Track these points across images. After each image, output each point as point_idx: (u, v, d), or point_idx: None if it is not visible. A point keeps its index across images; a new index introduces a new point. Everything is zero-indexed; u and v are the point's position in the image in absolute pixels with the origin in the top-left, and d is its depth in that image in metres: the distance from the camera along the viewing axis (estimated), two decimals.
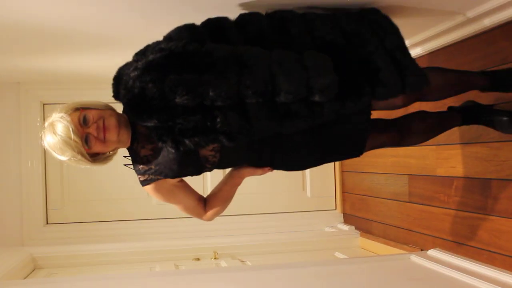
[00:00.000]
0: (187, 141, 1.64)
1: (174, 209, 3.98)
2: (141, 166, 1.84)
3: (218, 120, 1.62)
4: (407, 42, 2.21)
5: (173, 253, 3.67)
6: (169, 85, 1.57)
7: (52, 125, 1.66)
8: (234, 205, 4.02)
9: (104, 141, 1.68)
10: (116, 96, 1.75)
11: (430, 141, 2.91)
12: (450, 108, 2.43)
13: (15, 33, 2.42)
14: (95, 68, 3.31)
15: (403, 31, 1.99)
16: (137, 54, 1.73)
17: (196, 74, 1.60)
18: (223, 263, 3.54)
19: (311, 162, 2.04)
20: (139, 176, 1.88)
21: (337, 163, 4.24)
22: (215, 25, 1.83)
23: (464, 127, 2.59)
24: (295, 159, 1.98)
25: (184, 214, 3.97)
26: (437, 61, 2.80)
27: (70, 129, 1.62)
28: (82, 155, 1.67)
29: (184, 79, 1.58)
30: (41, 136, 1.71)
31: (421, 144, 3.00)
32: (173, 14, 2.14)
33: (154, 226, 3.96)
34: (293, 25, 1.87)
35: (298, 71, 1.66)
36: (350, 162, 4.06)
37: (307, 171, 4.24)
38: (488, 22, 2.38)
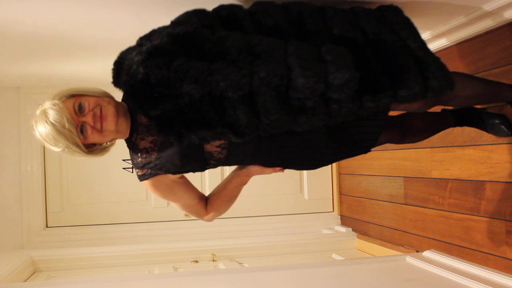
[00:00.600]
0: (191, 135, 1.53)
1: (173, 212, 4.04)
2: (139, 159, 1.71)
3: (227, 112, 1.51)
4: None
5: (171, 255, 3.68)
6: (176, 71, 1.46)
7: (44, 113, 1.52)
8: (232, 207, 4.06)
9: (101, 130, 1.55)
10: (116, 82, 1.61)
11: (425, 144, 2.95)
12: (444, 109, 2.45)
13: (14, 39, 2.45)
14: (93, 72, 3.33)
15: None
16: (141, 38, 1.63)
17: (206, 62, 1.48)
18: (221, 265, 3.56)
19: (323, 161, 1.96)
20: (137, 170, 1.75)
21: (334, 165, 4.26)
22: (228, 12, 1.70)
23: (457, 130, 2.63)
24: (307, 158, 1.88)
25: (183, 217, 4.03)
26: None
27: (64, 117, 1.50)
28: (77, 145, 1.54)
29: (192, 65, 1.46)
30: (33, 125, 1.57)
31: (416, 146, 3.04)
32: (171, 15, 2.13)
33: (153, 229, 3.98)
34: (311, 20, 1.74)
35: (317, 65, 1.51)
36: (347, 165, 4.09)
37: (305, 173, 4.27)
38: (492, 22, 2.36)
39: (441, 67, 1.73)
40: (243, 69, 1.48)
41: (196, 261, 3.68)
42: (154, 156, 1.68)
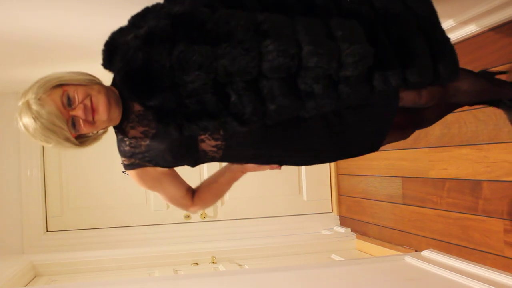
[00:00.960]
0: (193, 126, 1.43)
1: (172, 214, 4.05)
2: (127, 147, 1.59)
3: (231, 100, 1.41)
4: None
5: (171, 258, 3.70)
6: (178, 58, 1.36)
7: (29, 107, 1.39)
8: (231, 210, 4.10)
9: (93, 122, 1.44)
10: (107, 65, 1.50)
11: (422, 144, 2.97)
12: None
13: (13, 45, 2.47)
14: None
15: None
16: (134, 18, 1.51)
17: (210, 45, 1.38)
18: (221, 267, 3.58)
19: (325, 162, 1.88)
20: (123, 159, 1.62)
21: (332, 166, 4.28)
22: None
23: (454, 130, 2.65)
24: (308, 161, 1.81)
25: (182, 220, 4.04)
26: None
27: (53, 114, 1.38)
28: (68, 140, 1.44)
29: (195, 51, 1.36)
30: (16, 117, 1.44)
31: (413, 147, 3.07)
32: None
33: (152, 232, 3.99)
34: None
35: (328, 41, 1.41)
36: (345, 165, 4.11)
37: (303, 174, 4.29)
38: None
39: (452, 51, 1.63)
40: (251, 51, 1.37)
41: (196, 264, 3.69)
42: (143, 147, 1.58)
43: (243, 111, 1.41)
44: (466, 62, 2.53)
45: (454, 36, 2.59)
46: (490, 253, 2.48)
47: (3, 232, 3.78)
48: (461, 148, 2.66)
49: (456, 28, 2.58)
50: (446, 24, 2.52)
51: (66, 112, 1.41)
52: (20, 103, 1.43)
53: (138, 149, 1.58)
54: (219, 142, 1.58)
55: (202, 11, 1.43)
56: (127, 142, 1.58)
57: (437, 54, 1.59)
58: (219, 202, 4.11)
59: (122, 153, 1.61)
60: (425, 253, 2.83)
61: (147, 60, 1.37)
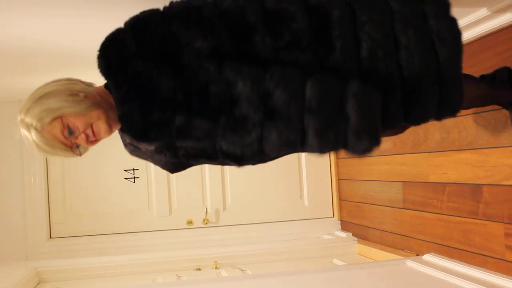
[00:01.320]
0: (191, 161, 1.50)
1: (175, 220, 4.06)
2: (128, 140, 1.61)
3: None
4: None
5: (174, 264, 3.71)
6: (178, 132, 1.39)
7: (30, 134, 1.44)
8: (233, 216, 4.11)
9: (96, 140, 1.49)
10: (104, 74, 1.47)
11: (422, 149, 2.99)
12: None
13: (16, 53, 2.49)
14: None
15: None
16: (133, 31, 1.44)
17: (210, 115, 1.37)
18: (223, 273, 3.58)
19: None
20: (126, 148, 1.69)
21: (333, 171, 4.30)
22: (238, 18, 1.42)
23: (454, 134, 2.66)
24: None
25: (185, 226, 4.05)
26: None
27: (57, 147, 1.44)
28: (73, 157, 1.51)
29: (195, 126, 1.38)
30: (19, 129, 1.48)
31: (413, 151, 3.08)
32: None
33: (155, 238, 4.01)
34: (338, 32, 1.46)
35: (335, 130, 1.38)
36: (346, 170, 4.12)
37: (304, 179, 4.31)
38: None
39: (460, 93, 1.58)
40: (252, 132, 1.36)
41: (199, 269, 3.70)
42: (143, 149, 1.60)
43: (241, 158, 1.45)
44: (467, 66, 2.55)
45: None
46: (491, 256, 2.49)
47: (7, 239, 3.80)
48: (461, 152, 2.67)
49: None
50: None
51: (69, 141, 1.45)
52: (19, 119, 1.46)
53: (138, 149, 1.63)
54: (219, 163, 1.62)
55: (207, 70, 1.37)
56: (127, 142, 1.63)
57: (443, 109, 1.57)
58: (221, 208, 4.14)
59: (124, 143, 1.66)
60: (426, 257, 2.84)
61: (146, 129, 1.39)
